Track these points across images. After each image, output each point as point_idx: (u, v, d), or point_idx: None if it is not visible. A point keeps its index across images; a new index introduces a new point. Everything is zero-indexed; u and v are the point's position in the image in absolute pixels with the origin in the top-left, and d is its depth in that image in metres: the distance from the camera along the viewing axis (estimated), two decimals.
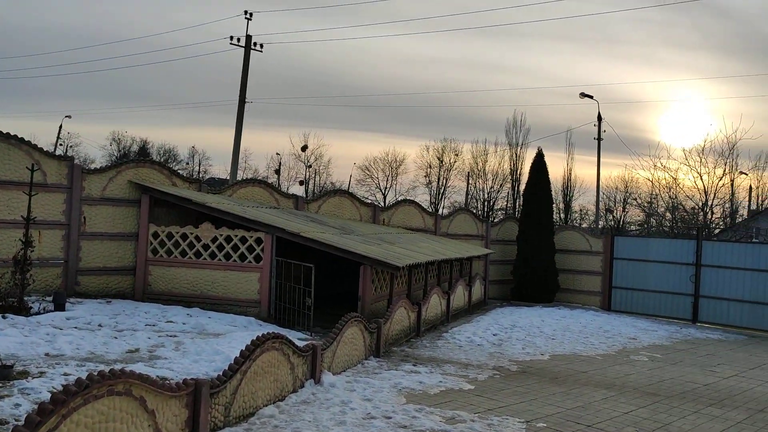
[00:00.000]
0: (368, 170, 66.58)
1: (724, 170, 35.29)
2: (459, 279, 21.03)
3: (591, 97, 35.85)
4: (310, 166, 72.24)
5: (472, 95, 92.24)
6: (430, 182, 62.72)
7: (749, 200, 42.90)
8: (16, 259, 12.65)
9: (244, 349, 8.48)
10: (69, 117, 62.82)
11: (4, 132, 14.46)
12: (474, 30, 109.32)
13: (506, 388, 11.32)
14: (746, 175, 40.06)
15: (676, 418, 10.13)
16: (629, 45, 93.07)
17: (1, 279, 12.70)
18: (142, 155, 65.12)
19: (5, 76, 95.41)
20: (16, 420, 6.87)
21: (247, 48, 36.90)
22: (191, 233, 15.42)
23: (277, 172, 71.68)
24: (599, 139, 36.50)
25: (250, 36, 37.11)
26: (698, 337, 19.68)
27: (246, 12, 37.19)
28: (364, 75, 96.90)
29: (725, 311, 21.94)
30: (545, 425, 9.19)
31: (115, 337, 11.22)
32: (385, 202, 57.51)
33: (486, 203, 56.63)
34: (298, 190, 61.56)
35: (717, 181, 34.85)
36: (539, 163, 25.60)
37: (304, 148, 70.65)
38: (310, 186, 66.95)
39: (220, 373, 8.07)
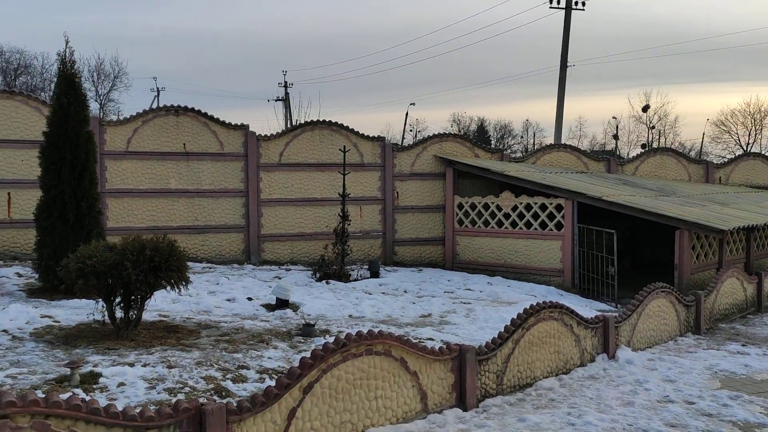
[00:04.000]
0: (724, 125, 58.78)
1: None
2: None
3: None
4: (653, 128, 66.77)
5: None
6: None
7: None
8: (336, 232, 14.27)
9: (515, 317, 8.15)
10: (413, 104, 68.80)
11: (328, 120, 16.43)
12: None
13: None
14: None
15: None
16: None
17: (325, 250, 14.48)
18: (480, 134, 67.79)
19: (360, 74, 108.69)
20: None
21: (568, 9, 35.50)
22: (492, 203, 15.48)
23: (615, 137, 67.95)
24: None
25: None
26: None
27: None
28: (709, 17, 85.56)
29: None
30: None
31: (413, 303, 11.86)
32: None
33: None
34: None
35: None
36: None
37: (645, 109, 65.59)
38: None
39: (489, 341, 7.88)
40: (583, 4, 35.81)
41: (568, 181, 15.03)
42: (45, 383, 6.62)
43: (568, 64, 35.26)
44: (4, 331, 8.63)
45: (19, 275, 12.57)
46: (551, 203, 14.50)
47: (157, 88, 53.31)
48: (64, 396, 4.83)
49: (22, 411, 4.29)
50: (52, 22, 73.14)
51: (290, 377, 5.78)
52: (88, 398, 4.95)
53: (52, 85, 42.35)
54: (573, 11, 35.37)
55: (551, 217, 14.59)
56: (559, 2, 35.67)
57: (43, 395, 4.41)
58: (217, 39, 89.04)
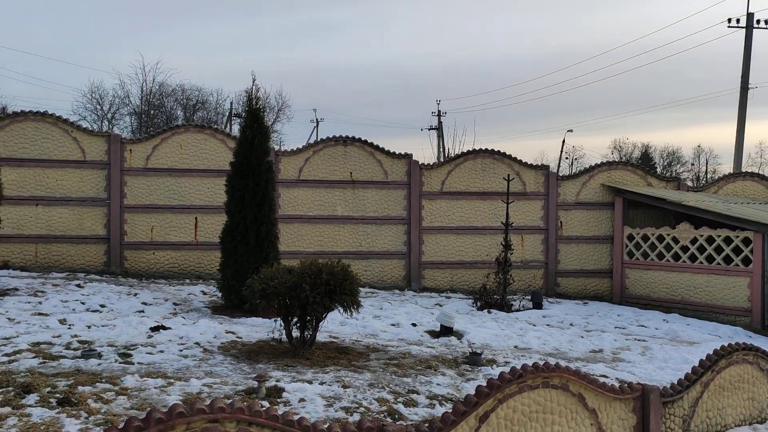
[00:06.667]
0: None
1: None
2: None
3: None
4: None
5: None
6: None
7: None
8: (498, 261, 14.10)
9: (704, 358, 7.54)
10: (571, 131, 66.95)
11: (489, 149, 16.40)
12: None
13: None
14: None
15: None
16: None
17: (487, 279, 14.34)
18: (644, 160, 64.26)
19: (515, 101, 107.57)
20: None
21: (749, 27, 32.95)
22: (668, 234, 14.54)
23: None
24: None
25: (752, 14, 33.08)
26: None
27: None
28: None
29: None
30: None
31: (582, 337, 11.36)
32: None
33: None
34: None
35: None
36: None
37: None
38: None
39: (674, 382, 7.34)
40: (766, 22, 33.10)
41: (758, 213, 13.74)
42: (236, 393, 7.11)
43: (750, 86, 32.64)
44: (197, 343, 9.40)
45: (204, 293, 13.67)
46: (737, 236, 13.33)
47: (317, 120, 56.28)
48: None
49: (230, 417, 4.62)
50: (222, 61, 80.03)
51: (467, 404, 5.74)
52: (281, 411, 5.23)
53: (224, 119, 46.35)
54: (754, 30, 32.80)
55: (737, 251, 13.40)
56: (738, 21, 33.26)
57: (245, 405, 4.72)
58: (372, 71, 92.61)
